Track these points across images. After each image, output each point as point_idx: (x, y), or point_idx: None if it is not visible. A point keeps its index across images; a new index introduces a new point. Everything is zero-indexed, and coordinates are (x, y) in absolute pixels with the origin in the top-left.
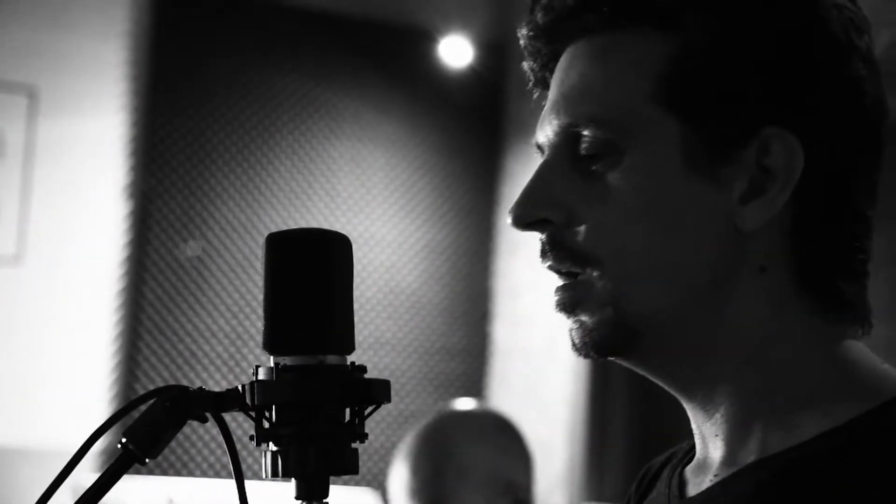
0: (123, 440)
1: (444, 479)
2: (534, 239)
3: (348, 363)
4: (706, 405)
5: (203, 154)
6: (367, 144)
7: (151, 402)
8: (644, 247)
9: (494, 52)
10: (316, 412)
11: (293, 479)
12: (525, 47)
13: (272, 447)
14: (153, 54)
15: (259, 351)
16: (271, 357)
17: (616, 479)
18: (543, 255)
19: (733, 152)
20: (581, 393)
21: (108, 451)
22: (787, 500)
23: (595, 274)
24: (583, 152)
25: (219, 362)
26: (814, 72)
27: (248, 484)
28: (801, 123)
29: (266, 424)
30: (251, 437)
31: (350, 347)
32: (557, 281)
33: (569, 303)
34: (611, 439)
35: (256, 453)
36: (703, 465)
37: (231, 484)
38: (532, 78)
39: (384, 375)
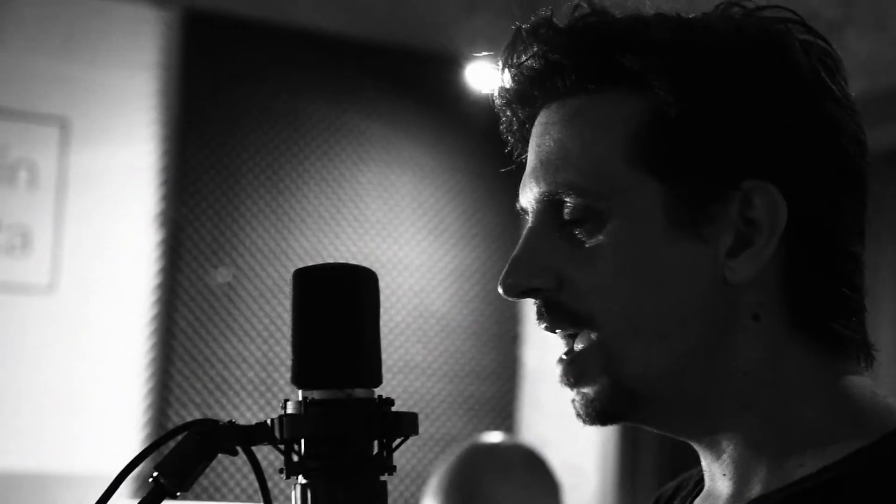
0: (155, 474)
1: None
2: None
3: (376, 396)
4: (712, 448)
5: (233, 181)
6: (394, 169)
7: (182, 435)
8: (634, 307)
9: None
10: (344, 445)
11: None
12: (501, 110)
13: (301, 480)
14: (183, 84)
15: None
16: (300, 391)
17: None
18: (539, 317)
19: (715, 208)
20: None
21: (141, 478)
22: None
23: (593, 336)
24: (566, 217)
25: (250, 388)
26: (787, 120)
27: None
28: (780, 172)
29: (295, 458)
30: (280, 471)
31: (377, 381)
32: (560, 348)
33: (572, 377)
34: (642, 462)
35: (287, 484)
36: (710, 499)
37: None
38: (511, 139)
39: (414, 399)
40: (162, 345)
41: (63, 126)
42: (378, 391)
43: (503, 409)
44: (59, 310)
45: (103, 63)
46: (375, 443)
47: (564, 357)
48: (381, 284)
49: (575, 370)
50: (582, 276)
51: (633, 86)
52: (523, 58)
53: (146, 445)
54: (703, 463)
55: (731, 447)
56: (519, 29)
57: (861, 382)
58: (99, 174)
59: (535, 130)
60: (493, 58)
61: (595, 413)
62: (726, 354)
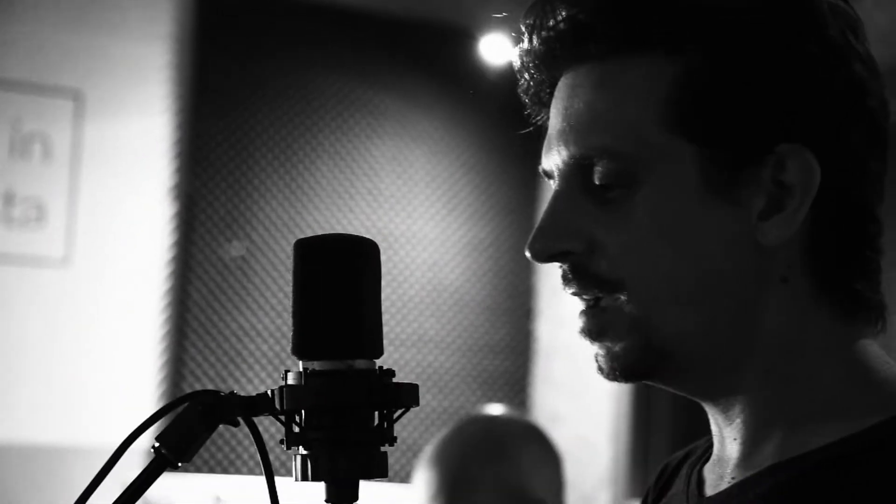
0: (156, 444)
1: (456, 489)
2: None
3: (377, 367)
4: (727, 411)
5: (246, 155)
6: (408, 143)
7: (184, 406)
8: (668, 270)
9: None
10: (345, 416)
11: (323, 483)
12: (520, 72)
13: (302, 451)
14: (197, 57)
15: None
16: (300, 362)
17: (655, 472)
18: (566, 281)
19: (749, 171)
20: (625, 390)
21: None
22: None
23: (622, 298)
24: (597, 182)
25: (264, 361)
26: (819, 82)
27: (285, 482)
28: (814, 136)
29: (296, 429)
30: (281, 441)
31: (378, 352)
32: (580, 305)
33: (594, 329)
34: (655, 436)
35: (288, 455)
36: (720, 463)
37: (279, 482)
38: (528, 100)
39: (427, 373)
40: (176, 317)
41: (77, 98)
42: (391, 365)
43: (516, 383)
44: (73, 282)
45: (117, 35)
46: (376, 414)
47: (587, 310)
48: (395, 258)
49: (599, 324)
50: (613, 240)
51: (666, 49)
52: (551, 19)
53: (148, 416)
54: (714, 428)
55: (746, 411)
56: None
57: (876, 351)
58: (113, 147)
59: (561, 93)
60: (515, 19)
61: (620, 369)
62: (754, 317)
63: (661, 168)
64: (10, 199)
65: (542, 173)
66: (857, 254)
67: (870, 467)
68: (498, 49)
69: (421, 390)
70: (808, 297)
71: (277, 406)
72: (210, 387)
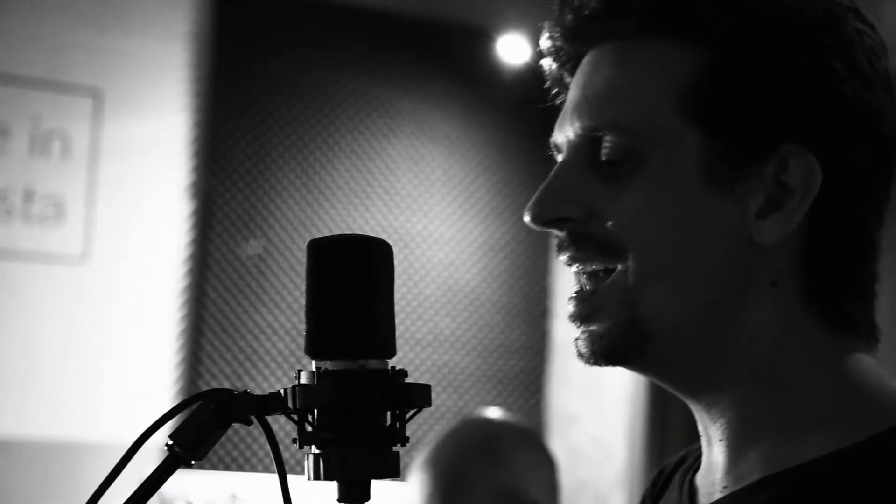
0: (170, 442)
1: (451, 492)
2: None
3: (389, 367)
4: (710, 410)
5: (264, 153)
6: (425, 143)
7: (197, 404)
8: (660, 249)
9: None
10: (357, 416)
11: (335, 482)
12: (547, 46)
13: (315, 450)
14: (215, 55)
15: None
16: (313, 361)
17: (651, 476)
18: (562, 248)
19: (752, 167)
20: (641, 391)
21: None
22: None
23: (620, 268)
24: (603, 157)
25: (280, 359)
26: (836, 94)
27: (300, 481)
28: (820, 143)
29: (308, 428)
30: (294, 440)
31: (391, 352)
32: (571, 289)
33: (584, 313)
34: (671, 437)
35: (301, 453)
36: (710, 470)
37: (293, 480)
38: (550, 77)
39: (443, 373)
40: (192, 316)
41: (96, 97)
42: (406, 365)
43: (532, 384)
44: (91, 280)
45: (136, 34)
46: (388, 414)
47: (578, 294)
48: (411, 258)
49: (589, 307)
50: (613, 211)
51: (692, 37)
52: None
53: (162, 414)
54: (700, 427)
55: (731, 412)
56: None
57: (868, 363)
58: (131, 145)
59: (584, 68)
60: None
61: (602, 350)
62: (739, 316)
63: (666, 150)
64: (29, 196)
65: (552, 146)
66: (849, 272)
67: (864, 482)
68: (515, 49)
69: (436, 390)
70: (796, 304)
71: (290, 405)
72: (226, 385)
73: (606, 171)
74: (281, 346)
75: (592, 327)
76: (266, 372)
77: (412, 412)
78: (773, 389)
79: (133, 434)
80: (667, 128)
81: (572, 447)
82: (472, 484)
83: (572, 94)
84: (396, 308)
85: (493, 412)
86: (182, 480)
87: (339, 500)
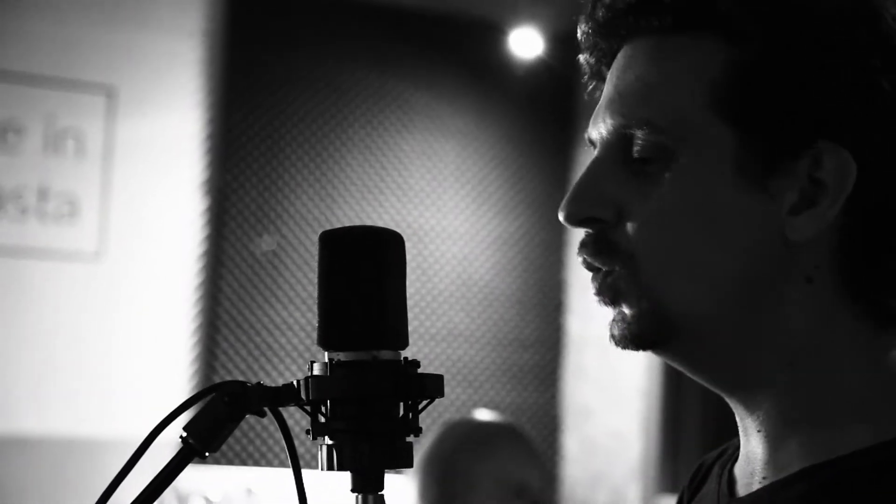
0: (184, 434)
1: (454, 487)
2: None
3: (402, 358)
4: (747, 402)
5: (277, 150)
6: (438, 138)
7: (211, 396)
8: (683, 246)
9: (565, 43)
10: (370, 407)
11: (349, 472)
12: (583, 41)
13: (328, 441)
14: (228, 52)
15: None
16: (326, 353)
17: (690, 471)
18: (583, 247)
19: (785, 164)
20: (656, 384)
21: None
22: None
23: (622, 271)
24: (636, 154)
25: (294, 354)
26: (872, 90)
27: (314, 473)
28: (855, 139)
29: (321, 419)
30: (307, 432)
31: (404, 343)
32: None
33: (609, 293)
34: (686, 430)
35: (313, 444)
36: (748, 461)
37: (308, 474)
38: (588, 71)
39: (458, 367)
40: (207, 311)
41: (109, 94)
42: (420, 359)
43: (546, 377)
44: (105, 277)
45: (149, 31)
46: (401, 404)
47: (597, 275)
48: (425, 253)
49: (615, 285)
50: (640, 212)
51: (726, 33)
52: None
53: (175, 406)
54: (738, 419)
55: (768, 403)
56: None
57: None
58: (145, 142)
59: (617, 64)
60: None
61: (631, 336)
62: (773, 312)
63: (698, 148)
64: (43, 194)
65: (587, 141)
66: (886, 266)
67: None
68: (527, 43)
69: (451, 385)
70: (832, 299)
71: (303, 396)
72: (241, 380)
73: (638, 168)
74: (295, 341)
75: (624, 309)
76: (281, 367)
77: (425, 403)
78: (811, 383)
79: (148, 431)
80: (699, 125)
81: (587, 440)
82: (471, 473)
83: (606, 90)
84: (410, 303)
85: (482, 413)
86: (198, 475)
87: (352, 491)
